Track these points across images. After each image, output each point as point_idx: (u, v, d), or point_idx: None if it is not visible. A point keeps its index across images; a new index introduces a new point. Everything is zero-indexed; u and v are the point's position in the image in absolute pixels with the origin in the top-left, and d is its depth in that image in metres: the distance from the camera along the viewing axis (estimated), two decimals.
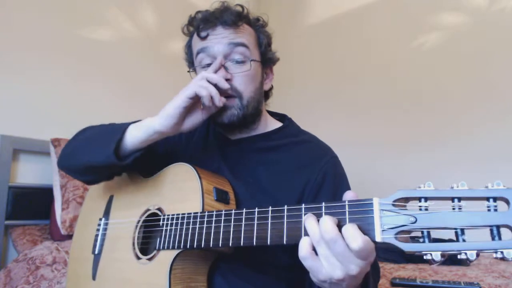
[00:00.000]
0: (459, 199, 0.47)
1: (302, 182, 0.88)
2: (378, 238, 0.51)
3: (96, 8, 2.23)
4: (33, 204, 1.83)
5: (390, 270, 1.59)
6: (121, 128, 0.86)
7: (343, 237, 0.53)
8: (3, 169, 1.74)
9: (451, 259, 1.62)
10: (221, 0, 0.96)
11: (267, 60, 0.99)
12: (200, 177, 0.82)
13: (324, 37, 2.95)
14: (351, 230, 0.52)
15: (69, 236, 1.63)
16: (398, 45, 2.53)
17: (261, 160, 0.94)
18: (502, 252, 0.42)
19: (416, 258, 1.71)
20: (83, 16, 2.16)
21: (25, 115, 1.86)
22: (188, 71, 1.01)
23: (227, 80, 0.88)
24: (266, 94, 1.04)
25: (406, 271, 1.56)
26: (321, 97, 2.88)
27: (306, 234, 0.57)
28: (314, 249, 0.56)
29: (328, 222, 0.54)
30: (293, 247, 0.60)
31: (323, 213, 0.57)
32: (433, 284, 1.34)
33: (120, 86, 2.29)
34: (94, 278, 0.95)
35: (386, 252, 1.78)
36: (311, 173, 0.88)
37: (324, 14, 2.96)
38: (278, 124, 1.03)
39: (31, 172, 1.89)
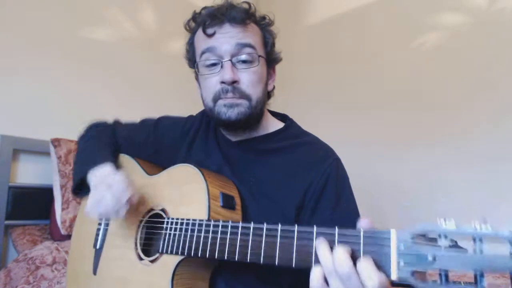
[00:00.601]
0: (481, 239, 0.45)
1: (305, 184, 0.86)
2: (394, 276, 0.49)
3: (96, 8, 2.23)
4: (33, 204, 1.83)
5: None
6: (89, 165, 0.94)
7: (357, 273, 0.51)
8: (3, 169, 1.74)
9: None
10: None
11: (271, 60, 0.97)
12: (206, 181, 0.80)
13: (324, 37, 2.94)
14: (367, 267, 0.50)
15: (69, 236, 1.62)
16: (398, 45, 2.52)
17: (263, 162, 0.92)
18: None
19: None
20: (83, 16, 2.16)
21: (25, 115, 1.86)
22: (193, 69, 0.97)
23: (235, 82, 0.86)
24: (268, 94, 1.01)
25: None
26: (321, 97, 2.87)
27: (317, 260, 0.55)
28: (325, 279, 0.54)
29: (342, 254, 0.52)
30: None
31: (336, 241, 0.55)
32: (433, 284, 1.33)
33: (120, 86, 2.29)
34: (95, 273, 0.94)
35: None
36: (314, 176, 0.86)
37: (324, 14, 2.96)
38: (280, 125, 1.01)
39: (31, 172, 1.89)
